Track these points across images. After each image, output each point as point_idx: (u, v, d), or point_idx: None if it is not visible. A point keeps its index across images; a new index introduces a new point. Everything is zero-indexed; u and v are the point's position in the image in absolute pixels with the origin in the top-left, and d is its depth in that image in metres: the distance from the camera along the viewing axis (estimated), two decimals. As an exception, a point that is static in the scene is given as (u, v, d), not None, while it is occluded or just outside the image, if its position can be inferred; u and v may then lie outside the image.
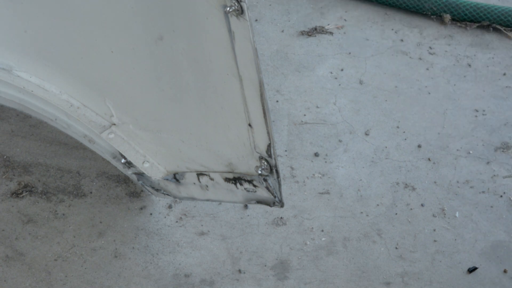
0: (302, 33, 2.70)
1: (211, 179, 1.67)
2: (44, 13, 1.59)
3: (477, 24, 2.70)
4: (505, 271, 1.95)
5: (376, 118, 2.37)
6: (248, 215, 2.06)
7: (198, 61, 1.35)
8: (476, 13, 2.68)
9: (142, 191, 2.10)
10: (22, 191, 2.09)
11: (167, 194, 1.89)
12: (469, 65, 2.57)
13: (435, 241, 2.01)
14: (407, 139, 2.29)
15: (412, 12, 2.78)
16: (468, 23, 2.72)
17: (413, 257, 1.98)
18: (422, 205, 2.10)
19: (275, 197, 1.53)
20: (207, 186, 1.71)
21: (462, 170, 2.20)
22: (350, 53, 2.61)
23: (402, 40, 2.66)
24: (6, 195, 2.09)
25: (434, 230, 2.04)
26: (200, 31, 1.23)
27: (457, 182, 2.17)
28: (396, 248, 2.00)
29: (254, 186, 1.53)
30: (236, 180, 1.58)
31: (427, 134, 2.31)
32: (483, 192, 2.15)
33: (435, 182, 2.17)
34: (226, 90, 1.33)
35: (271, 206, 1.58)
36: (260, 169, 1.42)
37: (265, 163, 1.40)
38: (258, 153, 1.39)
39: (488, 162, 2.23)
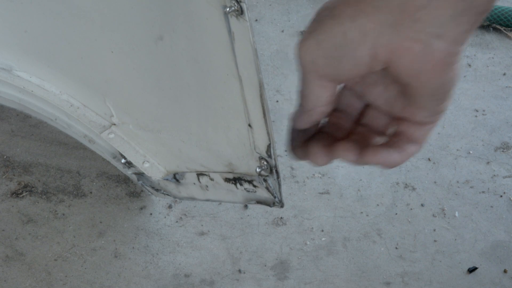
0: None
1: (211, 179, 1.67)
2: (44, 13, 1.59)
3: (477, 24, 2.70)
4: (505, 271, 1.95)
5: (376, 118, 2.36)
6: (248, 215, 2.06)
7: (198, 61, 1.35)
8: (476, 13, 2.68)
9: (142, 191, 2.10)
10: (22, 191, 2.09)
11: (167, 194, 1.89)
12: (469, 65, 2.57)
13: (435, 241, 2.01)
14: (407, 139, 2.29)
15: (412, 12, 2.78)
16: (468, 23, 2.72)
17: (413, 257, 1.98)
18: (422, 205, 2.10)
19: (275, 197, 1.53)
20: (207, 186, 1.71)
21: (462, 170, 2.20)
22: (350, 53, 2.60)
23: (402, 40, 2.66)
24: (6, 195, 2.09)
25: (434, 230, 2.04)
26: (200, 31, 1.23)
27: (457, 182, 2.17)
28: (396, 248, 2.00)
29: (254, 186, 1.53)
30: (236, 180, 1.58)
31: (427, 134, 2.31)
32: (483, 192, 2.15)
33: (435, 182, 2.17)
34: (226, 90, 1.33)
35: (271, 206, 1.58)
36: (260, 169, 1.42)
37: (265, 163, 1.39)
38: (258, 153, 1.39)
39: (488, 162, 2.23)
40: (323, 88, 0.72)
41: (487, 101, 2.44)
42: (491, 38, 2.68)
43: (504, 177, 2.19)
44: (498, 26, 2.69)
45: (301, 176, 2.17)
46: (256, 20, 2.76)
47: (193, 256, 1.97)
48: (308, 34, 0.66)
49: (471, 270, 1.94)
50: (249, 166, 1.45)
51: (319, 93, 0.74)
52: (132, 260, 1.95)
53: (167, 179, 1.80)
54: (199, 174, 1.70)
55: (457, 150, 2.27)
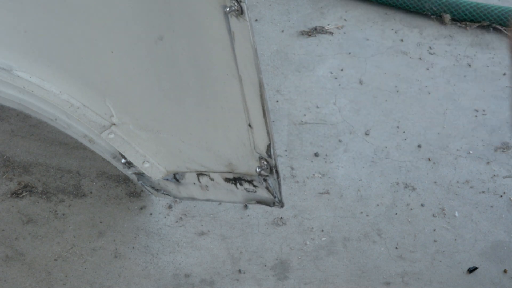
0: (302, 33, 2.70)
1: (211, 179, 1.67)
2: (44, 13, 1.59)
3: (477, 24, 2.70)
4: (505, 271, 1.95)
5: (376, 118, 2.37)
6: (248, 215, 2.07)
7: (198, 61, 1.35)
8: (476, 13, 2.68)
9: (142, 191, 2.10)
10: (22, 191, 2.09)
11: (167, 194, 1.89)
12: (469, 65, 2.57)
13: (435, 241, 2.02)
14: (407, 139, 2.30)
15: (412, 12, 2.78)
16: (468, 23, 2.72)
17: (413, 257, 1.98)
18: (422, 205, 2.10)
19: (275, 197, 1.53)
20: (207, 186, 1.71)
21: (462, 170, 2.20)
22: (350, 53, 2.61)
23: (402, 40, 2.66)
24: (6, 195, 2.09)
25: (434, 230, 2.04)
26: (200, 31, 1.24)
27: (457, 182, 2.17)
28: (396, 248, 2.00)
29: (254, 186, 1.53)
30: (236, 180, 1.58)
31: (427, 134, 2.31)
32: (483, 192, 2.15)
33: (435, 182, 2.17)
34: (226, 90, 1.33)
35: (271, 206, 1.58)
36: (260, 169, 1.42)
37: (265, 163, 1.40)
38: (258, 153, 1.39)
39: (488, 162, 2.23)
40: None
41: (487, 101, 2.44)
42: (491, 38, 2.68)
43: (504, 177, 2.19)
44: (498, 26, 2.69)
45: (301, 176, 2.17)
46: (256, 20, 2.76)
47: (193, 256, 1.97)
48: None
49: (471, 270, 1.94)
50: (249, 166, 1.46)
51: None
52: (132, 260, 1.95)
53: (167, 179, 1.80)
54: (199, 174, 1.70)
55: (457, 150, 2.27)
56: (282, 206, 1.56)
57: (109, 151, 1.84)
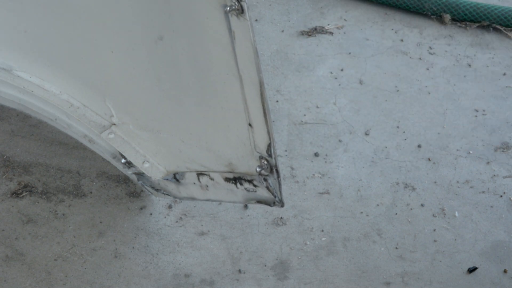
0: (302, 33, 2.70)
1: (211, 179, 1.67)
2: (44, 13, 1.59)
3: (477, 24, 2.70)
4: (505, 271, 1.95)
5: (376, 118, 2.37)
6: (248, 215, 2.07)
7: (198, 61, 1.35)
8: (476, 13, 2.69)
9: (142, 191, 2.10)
10: (22, 191, 2.09)
11: (167, 194, 1.89)
12: (469, 65, 2.57)
13: (435, 241, 2.02)
14: (407, 139, 2.30)
15: (412, 12, 2.78)
16: (468, 23, 2.72)
17: (413, 257, 1.98)
18: (422, 205, 2.10)
19: (275, 197, 1.53)
20: (207, 186, 1.71)
21: (462, 170, 2.20)
22: (350, 53, 2.61)
23: (402, 40, 2.66)
24: (6, 195, 2.09)
25: (434, 230, 2.04)
26: (200, 31, 1.24)
27: (457, 182, 2.17)
28: (396, 248, 2.00)
29: (254, 186, 1.53)
30: (236, 180, 1.58)
31: (427, 134, 2.31)
32: (483, 192, 2.15)
33: (435, 182, 2.17)
34: (226, 90, 1.34)
35: (271, 206, 1.58)
36: (260, 168, 1.43)
37: (265, 163, 1.40)
38: (258, 153, 1.39)
39: (488, 162, 2.23)
40: None
41: (487, 101, 2.44)
42: (491, 38, 2.68)
43: (504, 177, 2.19)
44: (498, 26, 2.69)
45: (301, 176, 2.17)
46: (256, 20, 2.76)
47: (193, 256, 1.97)
48: None
49: (471, 270, 1.94)
50: (249, 165, 1.46)
51: None
52: (132, 260, 1.95)
53: (167, 179, 1.80)
54: (199, 174, 1.70)
55: (457, 150, 2.27)
56: (282, 206, 1.56)
57: (109, 151, 1.84)
